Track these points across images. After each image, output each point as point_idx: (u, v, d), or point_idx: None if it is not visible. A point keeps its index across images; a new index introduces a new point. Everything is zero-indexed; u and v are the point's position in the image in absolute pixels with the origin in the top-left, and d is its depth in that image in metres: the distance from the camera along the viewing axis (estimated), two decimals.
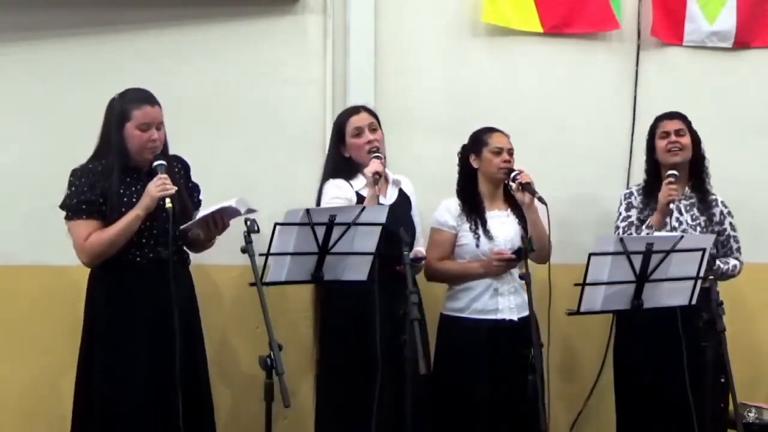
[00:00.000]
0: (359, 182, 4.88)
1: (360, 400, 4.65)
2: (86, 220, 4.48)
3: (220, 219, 4.53)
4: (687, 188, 5.27)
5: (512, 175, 4.98)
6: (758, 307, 5.84)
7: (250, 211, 4.49)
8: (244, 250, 4.23)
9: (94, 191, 4.49)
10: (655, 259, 4.59)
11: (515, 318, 4.98)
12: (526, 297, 4.93)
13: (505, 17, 5.68)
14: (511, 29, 5.70)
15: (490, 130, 5.11)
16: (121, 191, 4.51)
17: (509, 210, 5.08)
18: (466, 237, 5.04)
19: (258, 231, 4.31)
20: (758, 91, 5.96)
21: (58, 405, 4.95)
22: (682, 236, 4.73)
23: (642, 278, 4.61)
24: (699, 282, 4.68)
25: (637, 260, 4.58)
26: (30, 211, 5.16)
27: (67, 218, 4.54)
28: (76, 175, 4.55)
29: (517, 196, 5.00)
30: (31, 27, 5.22)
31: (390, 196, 4.99)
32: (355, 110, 5.03)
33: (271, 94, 5.44)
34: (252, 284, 4.24)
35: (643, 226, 5.11)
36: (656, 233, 5.04)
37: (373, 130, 4.95)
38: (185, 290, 4.62)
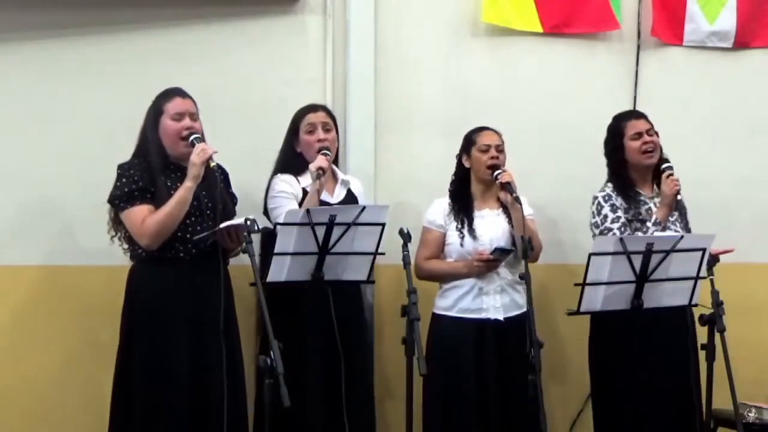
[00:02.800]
0: (307, 178, 4.88)
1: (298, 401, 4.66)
2: (140, 205, 4.54)
3: (235, 233, 4.55)
4: (654, 185, 5.23)
5: (495, 173, 4.99)
6: (758, 307, 5.84)
7: (265, 229, 4.51)
8: (244, 250, 4.24)
9: (144, 181, 4.57)
10: (655, 259, 4.59)
11: (501, 317, 4.98)
12: (514, 296, 4.98)
13: (505, 17, 5.68)
14: (511, 29, 5.70)
15: (480, 129, 5.13)
16: (168, 184, 4.57)
17: (500, 209, 5.08)
18: (453, 236, 5.07)
19: (258, 231, 4.32)
20: (758, 91, 5.96)
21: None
22: (682, 236, 4.73)
23: (642, 278, 4.61)
24: (699, 282, 4.69)
25: (637, 260, 4.59)
26: (29, 210, 5.16)
27: (120, 209, 4.59)
28: (124, 168, 4.62)
29: (500, 195, 5.02)
30: (32, 27, 5.22)
31: (337, 195, 5.00)
32: (314, 108, 5.06)
33: (271, 94, 5.44)
34: (252, 284, 4.24)
35: (649, 224, 5.05)
36: (657, 233, 5.03)
37: (326, 130, 4.96)
38: (225, 285, 4.65)
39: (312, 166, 4.78)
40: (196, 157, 4.50)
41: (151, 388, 4.50)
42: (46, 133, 5.21)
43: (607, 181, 5.22)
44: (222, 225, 4.50)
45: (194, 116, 4.66)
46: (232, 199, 4.81)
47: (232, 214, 4.66)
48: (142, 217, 4.52)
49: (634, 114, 5.31)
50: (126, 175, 4.58)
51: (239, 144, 5.37)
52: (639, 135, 5.17)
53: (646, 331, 4.86)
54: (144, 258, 4.60)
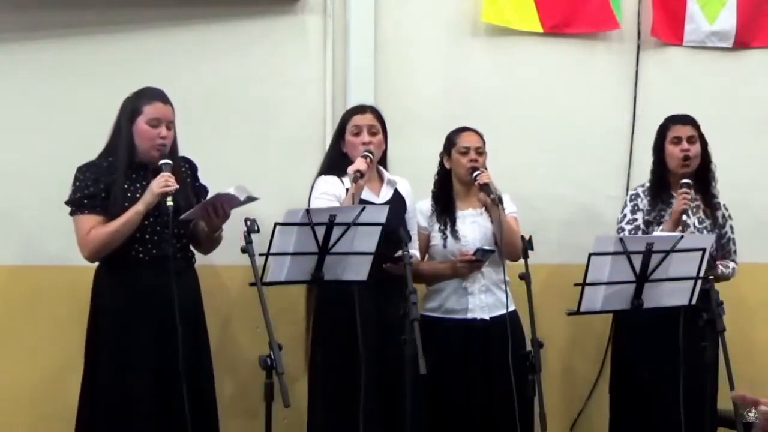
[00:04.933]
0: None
1: (349, 402, 4.64)
2: (88, 214, 4.50)
3: (221, 207, 4.52)
4: (692, 191, 5.25)
5: (473, 175, 4.99)
6: (758, 307, 5.84)
7: (250, 198, 4.51)
8: (244, 250, 4.24)
9: (98, 185, 4.52)
10: (655, 259, 4.59)
11: (487, 317, 4.99)
12: (499, 296, 5.00)
13: (505, 17, 5.68)
14: (511, 29, 5.70)
15: (461, 130, 5.13)
16: (126, 186, 4.52)
17: (483, 209, 5.08)
18: (436, 238, 5.08)
19: (258, 231, 4.32)
20: (758, 91, 5.96)
21: (63, 403, 4.95)
22: (682, 236, 4.73)
23: (642, 278, 4.61)
24: (699, 282, 4.69)
25: (637, 260, 4.59)
26: (30, 210, 5.17)
27: (71, 213, 4.56)
28: (81, 170, 4.58)
29: (479, 197, 5.01)
30: (32, 27, 5.23)
31: (383, 196, 4.99)
32: (361, 109, 5.03)
33: (271, 94, 5.44)
34: (252, 284, 4.24)
35: (657, 229, 5.07)
36: (657, 233, 5.04)
37: (372, 132, 4.94)
38: (189, 288, 4.64)
39: (350, 169, 4.74)
40: (156, 186, 4.44)
41: (114, 387, 4.46)
42: (46, 133, 5.22)
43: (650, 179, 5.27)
44: (209, 197, 4.46)
45: (170, 125, 4.59)
46: (200, 192, 4.74)
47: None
48: (88, 227, 4.49)
49: (681, 118, 5.28)
50: (81, 179, 4.55)
51: (239, 144, 5.38)
52: (678, 140, 5.19)
53: (668, 329, 4.87)
54: (105, 260, 4.57)
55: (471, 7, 5.69)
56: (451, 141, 5.11)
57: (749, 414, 5.23)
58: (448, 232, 5.05)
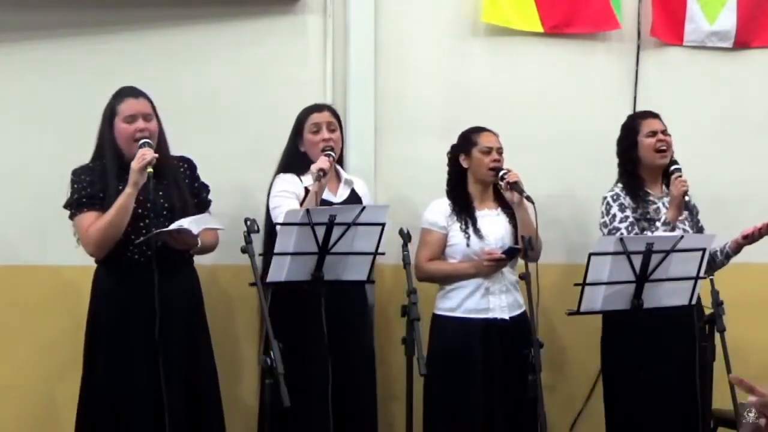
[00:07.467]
0: (310, 178, 4.83)
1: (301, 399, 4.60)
2: (88, 212, 4.51)
3: (181, 238, 4.49)
4: (663, 186, 5.24)
5: (500, 174, 4.99)
6: (758, 307, 5.84)
7: (210, 229, 4.51)
8: (244, 250, 4.24)
9: (95, 187, 4.53)
10: (655, 258, 4.59)
11: (507, 317, 4.99)
12: (517, 296, 5.00)
13: (505, 17, 5.68)
14: (511, 29, 5.70)
15: (480, 130, 5.11)
16: (119, 188, 4.51)
17: (499, 209, 5.09)
18: (457, 237, 5.04)
19: (258, 231, 4.33)
20: (758, 91, 5.96)
21: (59, 405, 4.96)
22: (682, 236, 4.73)
23: (642, 278, 4.61)
24: (699, 282, 4.69)
25: (637, 260, 4.59)
26: (30, 210, 5.17)
27: (72, 216, 4.57)
28: (77, 173, 4.59)
29: (506, 195, 5.01)
30: (31, 27, 5.23)
31: (341, 195, 4.99)
32: (318, 108, 5.04)
33: (271, 94, 5.44)
34: (252, 284, 4.24)
35: (659, 224, 5.04)
36: (657, 233, 5.03)
37: (331, 130, 4.95)
38: (188, 287, 4.64)
39: (313, 167, 4.76)
40: (135, 163, 4.43)
41: (112, 388, 4.46)
42: (46, 133, 5.22)
43: (617, 181, 5.22)
44: (161, 229, 4.44)
45: (148, 117, 4.58)
46: (201, 190, 4.73)
47: (190, 210, 4.59)
48: (88, 224, 4.49)
49: (650, 113, 5.31)
50: (77, 180, 4.56)
51: (239, 144, 5.38)
52: (653, 133, 5.19)
53: (656, 330, 4.86)
54: (104, 260, 4.57)
55: (471, 7, 5.68)
56: (470, 140, 5.09)
57: (749, 414, 5.23)
58: (470, 231, 5.03)
